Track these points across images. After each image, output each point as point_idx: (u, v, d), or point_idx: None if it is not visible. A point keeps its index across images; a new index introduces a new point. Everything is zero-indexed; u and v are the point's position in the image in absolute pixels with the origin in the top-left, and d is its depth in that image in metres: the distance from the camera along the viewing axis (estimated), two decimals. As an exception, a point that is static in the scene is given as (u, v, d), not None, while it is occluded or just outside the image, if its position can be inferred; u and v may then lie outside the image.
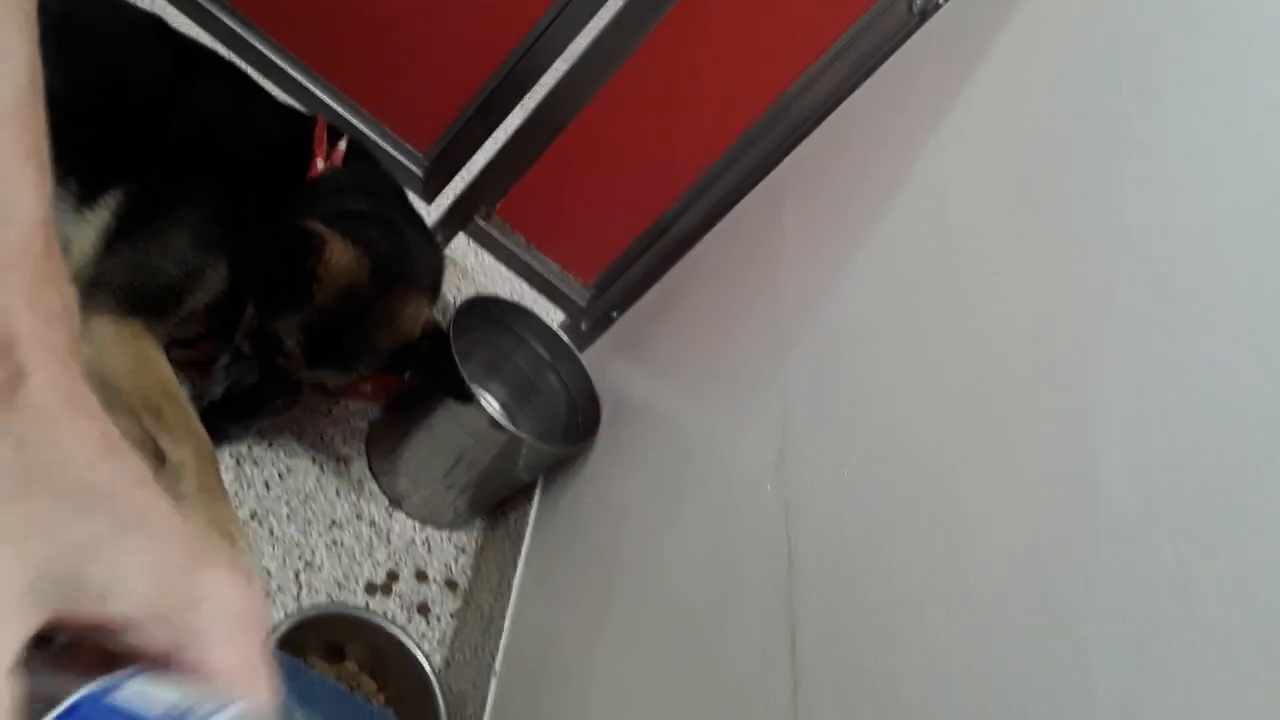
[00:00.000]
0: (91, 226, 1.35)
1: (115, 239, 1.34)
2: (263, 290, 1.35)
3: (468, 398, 1.46)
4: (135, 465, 0.35)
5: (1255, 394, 0.65)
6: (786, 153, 1.64)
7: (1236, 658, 0.58)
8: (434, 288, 1.50)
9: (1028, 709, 0.68)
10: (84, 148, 1.33)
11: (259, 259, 1.34)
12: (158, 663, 0.34)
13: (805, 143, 1.61)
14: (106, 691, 0.32)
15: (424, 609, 1.50)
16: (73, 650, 0.35)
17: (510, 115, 1.83)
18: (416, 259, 1.44)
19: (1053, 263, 0.88)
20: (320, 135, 1.46)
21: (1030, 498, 0.76)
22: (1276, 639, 0.57)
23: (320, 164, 1.45)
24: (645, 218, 1.90)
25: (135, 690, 0.33)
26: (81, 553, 0.32)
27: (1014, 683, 0.70)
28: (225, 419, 1.39)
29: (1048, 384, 0.81)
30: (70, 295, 0.37)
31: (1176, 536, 0.64)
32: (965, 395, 0.89)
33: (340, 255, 1.31)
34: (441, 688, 1.29)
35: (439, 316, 1.49)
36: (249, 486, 1.44)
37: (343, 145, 1.49)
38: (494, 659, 1.34)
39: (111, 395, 1.24)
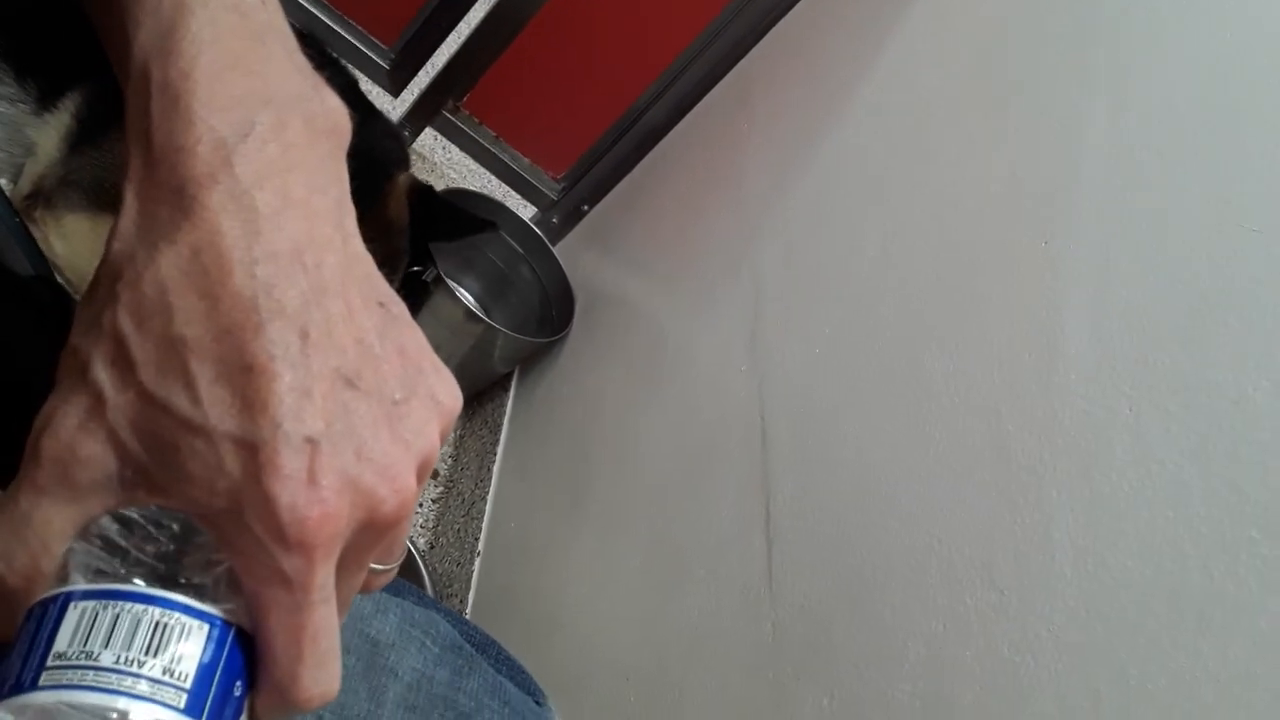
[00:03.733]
0: (53, 128, 1.33)
1: (79, 140, 1.32)
2: None
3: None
4: None
5: (1210, 260, 0.68)
6: (755, 41, 1.63)
7: (1187, 503, 0.62)
8: (401, 163, 1.50)
9: (992, 563, 0.71)
10: (42, 48, 1.30)
11: None
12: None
13: (774, 30, 1.60)
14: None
15: (406, 496, 1.53)
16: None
17: (475, 5, 1.81)
18: (380, 157, 1.43)
19: (1019, 133, 0.90)
20: None
21: (994, 361, 0.79)
22: (1223, 484, 0.61)
23: None
24: (614, 109, 1.89)
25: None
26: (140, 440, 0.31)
27: (977, 537, 0.74)
28: None
29: (1012, 251, 0.84)
30: None
31: (1133, 393, 0.68)
32: (931, 266, 0.92)
33: None
34: (427, 569, 1.33)
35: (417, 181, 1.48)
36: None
37: None
38: (477, 541, 1.38)
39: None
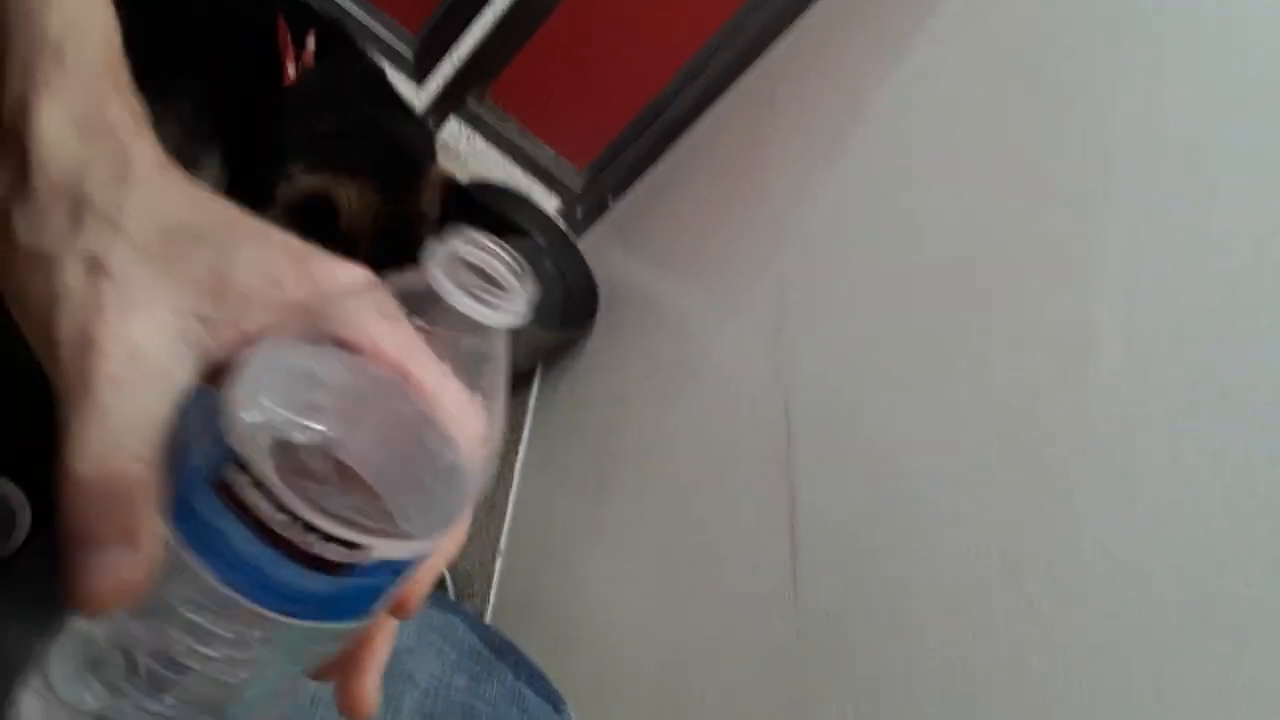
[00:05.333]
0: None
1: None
2: None
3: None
4: (226, 206, 0.37)
5: (1244, 259, 0.67)
6: (780, 32, 1.61)
7: (1223, 509, 0.60)
8: (430, 156, 1.50)
9: (1021, 571, 0.70)
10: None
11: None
12: None
13: (799, 21, 1.59)
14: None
15: (427, 493, 1.53)
16: None
17: (500, -6, 1.80)
18: (407, 148, 1.43)
19: (1050, 128, 0.89)
20: (285, 40, 1.43)
21: (1025, 362, 0.78)
22: (1254, 493, 0.59)
23: (291, 70, 1.43)
24: (639, 100, 1.88)
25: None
26: (209, 283, 0.33)
27: (1007, 544, 0.72)
28: None
29: (1043, 248, 0.82)
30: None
31: (1165, 394, 0.66)
32: (960, 264, 0.90)
33: (349, 201, 1.31)
34: (448, 568, 1.33)
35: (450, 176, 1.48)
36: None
37: (311, 44, 1.46)
38: (498, 539, 1.37)
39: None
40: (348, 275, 0.37)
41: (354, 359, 0.32)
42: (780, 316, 1.12)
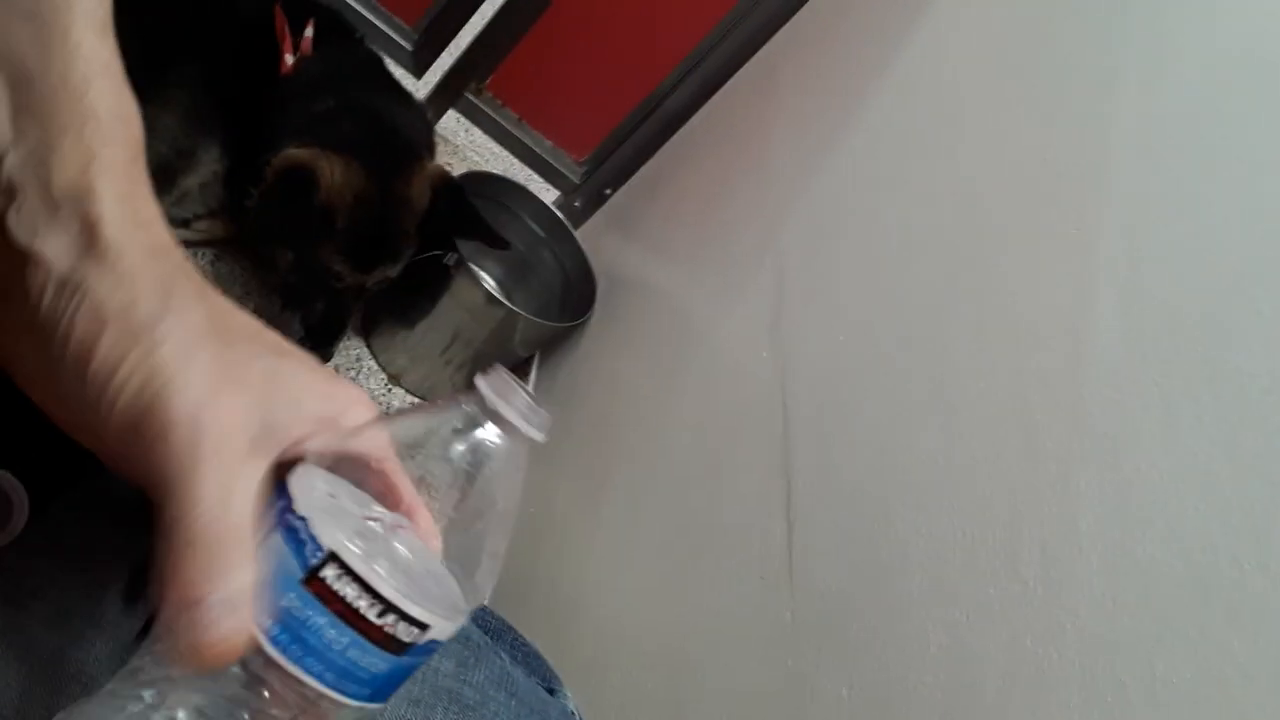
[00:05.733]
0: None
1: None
2: (286, 232, 1.37)
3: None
4: (250, 316, 0.39)
5: (1243, 246, 0.67)
6: (781, 24, 1.61)
7: (1217, 494, 0.61)
8: (428, 147, 1.50)
9: (1017, 553, 0.70)
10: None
11: (268, 210, 1.35)
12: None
13: (799, 13, 1.59)
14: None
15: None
16: None
17: (499, -15, 1.80)
18: (400, 132, 1.43)
19: (1049, 116, 0.89)
20: (282, 29, 1.43)
21: (1022, 347, 0.78)
22: (1248, 477, 0.59)
23: (289, 58, 1.43)
24: (638, 92, 1.88)
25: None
26: (266, 389, 0.36)
27: (1002, 527, 0.72)
28: (317, 345, 1.45)
29: (1041, 235, 0.82)
30: None
31: (1164, 381, 0.66)
32: (958, 251, 0.91)
33: (333, 174, 1.31)
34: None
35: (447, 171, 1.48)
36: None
37: (309, 32, 1.46)
38: (496, 525, 1.37)
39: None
40: (357, 394, 0.40)
41: (368, 478, 0.38)
42: (778, 304, 1.12)
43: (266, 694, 0.33)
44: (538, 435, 0.38)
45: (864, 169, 1.13)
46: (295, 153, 1.31)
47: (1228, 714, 0.55)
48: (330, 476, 0.37)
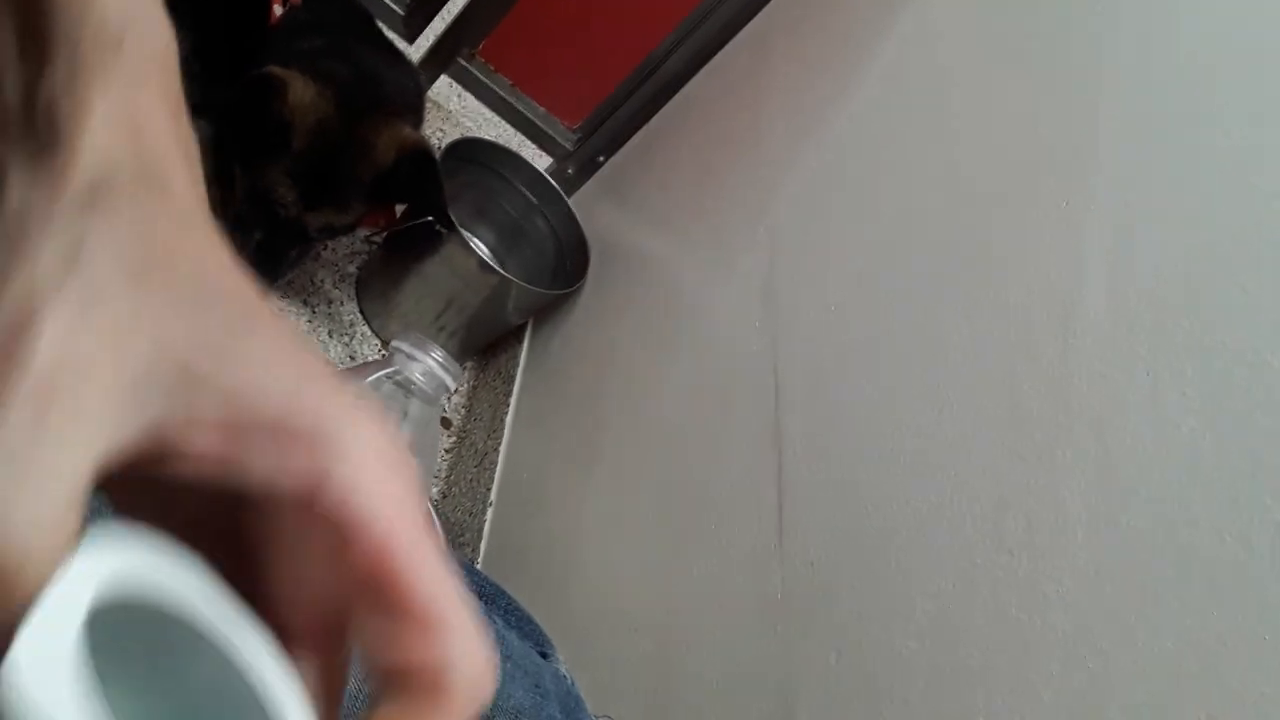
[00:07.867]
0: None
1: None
2: (242, 146, 1.34)
3: (449, 225, 1.45)
4: (253, 287, 0.29)
5: (1230, 224, 0.67)
6: (775, -9, 1.61)
7: (1200, 467, 0.62)
8: (412, 109, 1.48)
9: (1002, 523, 0.71)
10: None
11: (229, 115, 1.33)
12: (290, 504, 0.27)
13: (795, -21, 1.58)
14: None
15: (418, 447, 1.55)
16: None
17: (492, -50, 1.79)
18: (384, 84, 1.41)
19: (1039, 93, 0.89)
20: None
21: (1010, 321, 0.79)
22: (1237, 449, 0.60)
23: (278, 9, 1.42)
24: (632, 59, 1.87)
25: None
26: (197, 350, 0.25)
27: (988, 497, 0.73)
28: None
29: (1030, 211, 0.83)
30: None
31: (1150, 356, 0.67)
32: (948, 224, 0.91)
33: (303, 92, 1.29)
34: (439, 518, 1.34)
35: (429, 141, 1.47)
36: (242, 328, 1.45)
37: None
38: (489, 491, 1.39)
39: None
40: (374, 425, 0.28)
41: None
42: (770, 274, 1.13)
43: None
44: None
45: (856, 140, 1.13)
46: (272, 68, 1.29)
47: (1208, 683, 0.56)
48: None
